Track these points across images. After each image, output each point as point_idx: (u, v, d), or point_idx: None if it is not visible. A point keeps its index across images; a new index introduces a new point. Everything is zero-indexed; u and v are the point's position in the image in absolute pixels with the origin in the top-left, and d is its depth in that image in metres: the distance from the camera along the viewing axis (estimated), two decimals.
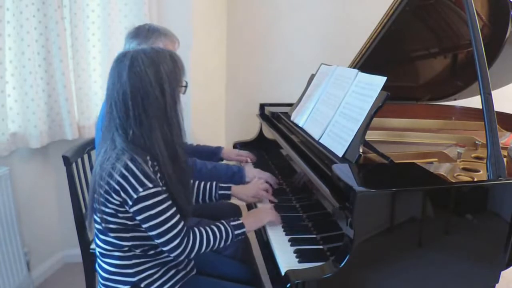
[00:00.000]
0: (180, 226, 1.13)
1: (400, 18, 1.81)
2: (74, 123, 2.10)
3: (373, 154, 1.33)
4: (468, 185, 1.20)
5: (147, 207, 1.08)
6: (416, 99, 2.30)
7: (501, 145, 1.20)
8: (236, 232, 1.25)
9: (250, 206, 1.59)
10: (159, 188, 1.10)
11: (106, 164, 1.08)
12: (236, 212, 1.82)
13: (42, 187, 2.18)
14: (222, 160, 1.95)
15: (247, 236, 1.68)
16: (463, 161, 1.53)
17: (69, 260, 2.35)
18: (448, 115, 2.24)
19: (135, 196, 1.06)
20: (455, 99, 2.23)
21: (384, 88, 1.25)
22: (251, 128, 2.34)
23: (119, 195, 1.08)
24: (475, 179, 1.33)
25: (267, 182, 1.59)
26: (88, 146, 1.81)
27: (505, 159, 1.20)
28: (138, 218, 1.10)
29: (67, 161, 1.60)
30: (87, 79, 2.14)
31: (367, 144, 1.36)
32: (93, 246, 1.66)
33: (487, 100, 1.20)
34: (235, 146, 2.21)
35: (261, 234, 1.37)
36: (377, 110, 1.24)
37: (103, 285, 1.22)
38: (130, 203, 1.07)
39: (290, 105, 1.96)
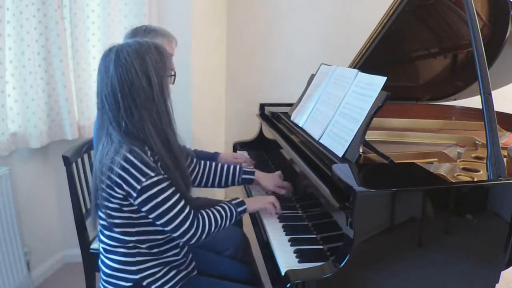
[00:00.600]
0: (187, 210, 1.15)
1: (400, 18, 1.81)
2: (74, 123, 2.10)
3: (373, 154, 1.33)
4: (468, 185, 1.20)
5: (152, 196, 1.08)
6: (416, 99, 2.30)
7: (501, 145, 1.20)
8: (238, 210, 1.28)
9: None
10: (161, 176, 1.11)
11: (105, 159, 1.09)
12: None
13: (42, 187, 2.18)
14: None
15: (246, 236, 1.69)
16: (463, 161, 1.53)
17: (69, 260, 2.35)
18: (448, 115, 2.24)
19: (138, 187, 1.07)
20: (455, 99, 2.23)
21: (384, 88, 1.25)
22: (251, 128, 2.34)
23: (122, 189, 1.08)
24: (475, 179, 1.33)
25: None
26: (88, 146, 1.81)
27: (505, 159, 1.20)
28: (144, 209, 1.10)
29: (67, 161, 1.60)
30: (87, 79, 2.14)
31: (367, 144, 1.36)
32: (93, 246, 1.66)
33: (487, 100, 1.20)
34: (235, 146, 2.21)
35: (261, 234, 1.37)
36: (377, 110, 1.24)
37: (105, 281, 1.22)
38: (134, 194, 1.08)
39: (290, 105, 1.96)
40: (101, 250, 1.24)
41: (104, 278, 1.23)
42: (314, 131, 1.49)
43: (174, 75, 1.21)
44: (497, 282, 1.16)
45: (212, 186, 1.56)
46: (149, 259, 1.20)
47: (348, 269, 1.02)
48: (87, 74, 2.14)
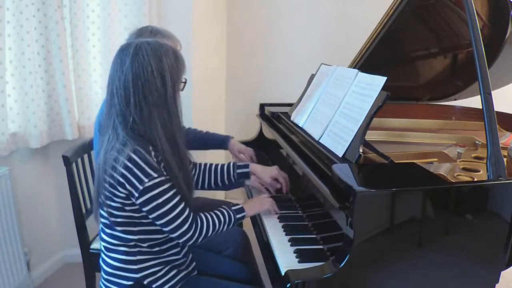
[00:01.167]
0: (186, 212, 1.16)
1: (400, 18, 1.81)
2: (74, 123, 2.10)
3: (373, 154, 1.33)
4: (468, 185, 1.20)
5: (153, 197, 1.09)
6: (416, 99, 2.30)
7: (501, 145, 1.20)
8: (237, 216, 1.29)
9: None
10: (163, 177, 1.11)
11: (109, 155, 1.09)
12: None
13: (42, 187, 2.18)
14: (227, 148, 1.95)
15: (247, 236, 1.69)
16: (463, 161, 1.53)
17: (69, 260, 2.35)
18: (448, 115, 2.24)
19: (141, 188, 1.08)
20: (455, 99, 2.23)
21: (384, 88, 1.25)
22: (251, 128, 2.34)
23: (125, 188, 1.09)
24: (475, 179, 1.33)
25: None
26: (88, 146, 1.81)
27: (505, 159, 1.20)
28: (145, 208, 1.11)
29: (67, 161, 1.60)
30: (87, 79, 2.14)
31: (367, 144, 1.36)
32: (93, 246, 1.66)
33: (487, 100, 1.20)
34: None
35: (261, 234, 1.37)
36: (377, 110, 1.24)
37: (106, 280, 1.22)
38: (136, 194, 1.09)
39: (290, 105, 1.96)
40: (102, 248, 1.24)
41: (105, 277, 1.23)
42: (314, 131, 1.49)
43: (185, 82, 1.22)
44: (497, 282, 1.16)
45: (210, 187, 1.55)
46: (150, 258, 1.20)
47: (348, 269, 1.02)
48: (87, 74, 2.14)
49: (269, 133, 1.98)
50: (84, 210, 1.69)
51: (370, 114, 1.25)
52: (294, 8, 2.87)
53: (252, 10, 2.91)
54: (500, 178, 1.14)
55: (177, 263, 1.26)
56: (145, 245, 1.19)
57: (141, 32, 1.58)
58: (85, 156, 1.80)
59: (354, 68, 1.64)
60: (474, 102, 1.88)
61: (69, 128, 2.08)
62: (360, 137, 1.24)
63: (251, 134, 2.22)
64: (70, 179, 1.62)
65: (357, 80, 1.41)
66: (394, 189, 1.04)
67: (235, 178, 1.54)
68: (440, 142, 1.77)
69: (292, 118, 1.77)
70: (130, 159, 1.07)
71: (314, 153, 1.37)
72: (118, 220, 1.15)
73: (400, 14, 1.80)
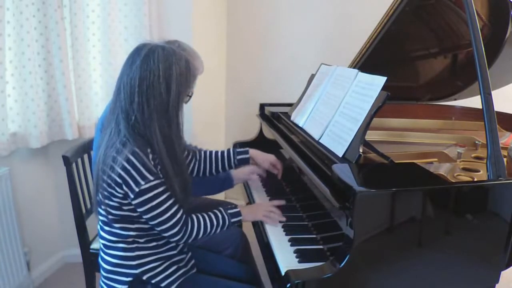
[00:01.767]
0: (179, 215, 1.18)
1: (400, 18, 1.81)
2: (74, 123, 2.10)
3: (373, 154, 1.33)
4: (468, 185, 1.19)
5: (148, 199, 1.11)
6: (416, 99, 2.30)
7: (501, 145, 1.20)
8: (232, 220, 1.30)
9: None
10: (159, 180, 1.13)
11: (108, 153, 1.10)
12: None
13: (42, 187, 2.18)
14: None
15: (246, 236, 1.69)
16: (463, 161, 1.53)
17: (69, 260, 2.35)
18: (448, 115, 2.23)
19: (137, 190, 1.09)
20: (455, 99, 2.23)
21: (384, 88, 1.25)
22: (251, 128, 2.33)
23: (121, 188, 1.11)
24: (475, 179, 1.33)
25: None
26: (88, 146, 1.81)
27: (505, 159, 1.20)
28: (140, 209, 1.13)
29: (67, 161, 1.60)
30: (87, 79, 2.14)
31: (367, 144, 1.36)
32: (93, 246, 1.66)
33: (487, 100, 1.20)
34: (235, 146, 2.21)
35: (261, 234, 1.37)
36: (377, 110, 1.24)
37: (106, 278, 1.23)
38: (132, 196, 1.11)
39: (290, 105, 1.96)
40: (101, 246, 1.25)
41: (105, 274, 1.24)
42: (314, 131, 1.49)
43: (191, 96, 1.23)
44: (497, 282, 1.16)
45: (211, 173, 1.56)
46: (148, 254, 1.22)
47: (348, 269, 1.02)
48: (87, 74, 2.14)
49: (269, 133, 1.98)
50: (84, 210, 1.69)
51: (370, 114, 1.25)
52: (294, 8, 2.87)
53: (252, 10, 2.91)
54: (500, 178, 1.14)
55: (175, 259, 1.27)
56: (142, 240, 1.21)
57: (168, 43, 1.57)
58: (85, 156, 1.80)
59: (354, 68, 1.64)
60: (474, 102, 1.88)
61: (69, 128, 2.08)
62: (360, 137, 1.24)
63: (251, 134, 2.22)
64: (70, 179, 1.62)
65: (357, 80, 1.41)
66: (394, 189, 1.04)
67: (235, 164, 1.56)
68: (440, 142, 1.77)
69: (292, 118, 1.77)
70: (128, 161, 1.08)
71: (314, 153, 1.37)
72: (116, 218, 1.17)
73: (400, 14, 1.80)
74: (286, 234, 1.30)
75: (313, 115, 1.60)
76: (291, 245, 1.24)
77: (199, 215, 1.25)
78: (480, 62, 1.23)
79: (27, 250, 2.04)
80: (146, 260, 1.21)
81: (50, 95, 2.03)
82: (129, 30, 2.19)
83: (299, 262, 1.15)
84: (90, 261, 1.65)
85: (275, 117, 1.98)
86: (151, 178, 1.10)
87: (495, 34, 1.84)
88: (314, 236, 1.30)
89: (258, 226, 1.42)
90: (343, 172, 1.13)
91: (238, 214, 1.31)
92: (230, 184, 1.73)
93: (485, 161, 1.22)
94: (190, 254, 1.35)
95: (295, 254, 1.19)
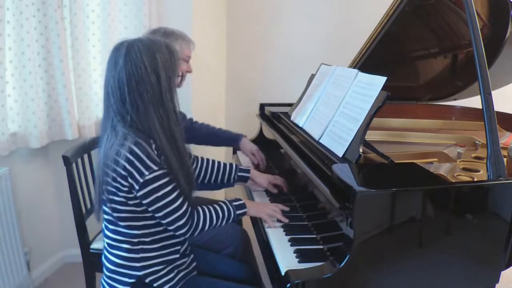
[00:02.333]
0: (184, 207, 1.16)
1: (400, 18, 1.81)
2: (74, 123, 2.10)
3: (373, 154, 1.33)
4: (468, 185, 1.20)
5: (153, 189, 1.10)
6: (416, 99, 2.30)
7: (501, 145, 1.20)
8: (237, 212, 1.29)
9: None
10: (163, 171, 1.12)
11: (110, 152, 1.10)
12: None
13: (42, 187, 2.18)
14: (239, 149, 1.94)
15: (247, 234, 1.69)
16: (463, 161, 1.53)
17: (69, 260, 2.35)
18: (448, 115, 2.24)
19: (141, 180, 1.09)
20: (455, 99, 2.23)
21: (384, 88, 1.25)
22: (251, 128, 2.33)
23: (127, 181, 1.10)
24: (475, 179, 1.33)
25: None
26: (88, 146, 1.80)
27: (505, 159, 1.20)
28: (145, 201, 1.12)
29: (67, 161, 1.60)
30: (87, 79, 2.14)
31: (367, 144, 1.36)
32: (93, 246, 1.66)
33: (487, 100, 1.20)
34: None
35: (261, 234, 1.37)
36: (377, 110, 1.24)
37: (108, 277, 1.23)
38: (137, 187, 1.10)
39: (290, 105, 1.96)
40: (105, 245, 1.25)
41: (107, 274, 1.23)
42: (314, 131, 1.49)
43: (182, 76, 1.23)
44: (497, 282, 1.16)
45: (209, 182, 1.55)
46: (153, 256, 1.21)
47: (348, 269, 1.02)
48: (87, 74, 2.14)
49: (269, 133, 1.98)
50: (84, 210, 1.69)
51: (370, 114, 1.25)
52: (294, 8, 2.87)
53: (252, 10, 2.91)
54: (500, 178, 1.14)
55: (178, 263, 1.26)
56: (148, 239, 1.19)
57: (154, 33, 1.58)
58: (85, 156, 1.80)
59: (354, 68, 1.64)
60: (474, 102, 1.88)
61: (69, 128, 2.08)
62: (360, 137, 1.24)
63: (251, 134, 2.22)
64: (70, 179, 1.62)
65: (357, 80, 1.41)
66: (394, 189, 1.04)
67: (234, 179, 1.56)
68: (440, 142, 1.77)
69: (292, 118, 1.77)
70: (131, 152, 1.08)
71: (314, 153, 1.37)
72: (122, 215, 1.16)
73: (400, 14, 1.80)
74: (286, 234, 1.30)
75: (313, 115, 1.60)
76: (291, 245, 1.24)
77: (205, 207, 1.24)
78: (480, 62, 1.23)
79: (27, 250, 2.04)
80: (150, 262, 1.20)
81: (50, 95, 2.03)
82: (129, 30, 2.19)
83: (299, 262, 1.15)
84: (90, 261, 1.65)
85: (275, 117, 1.98)
86: (155, 168, 1.09)
87: (495, 34, 1.84)
88: (314, 236, 1.30)
89: (258, 226, 1.42)
90: (343, 172, 1.13)
91: (243, 206, 1.31)
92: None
93: (485, 161, 1.22)
94: (192, 256, 1.35)
95: (295, 254, 1.19)
